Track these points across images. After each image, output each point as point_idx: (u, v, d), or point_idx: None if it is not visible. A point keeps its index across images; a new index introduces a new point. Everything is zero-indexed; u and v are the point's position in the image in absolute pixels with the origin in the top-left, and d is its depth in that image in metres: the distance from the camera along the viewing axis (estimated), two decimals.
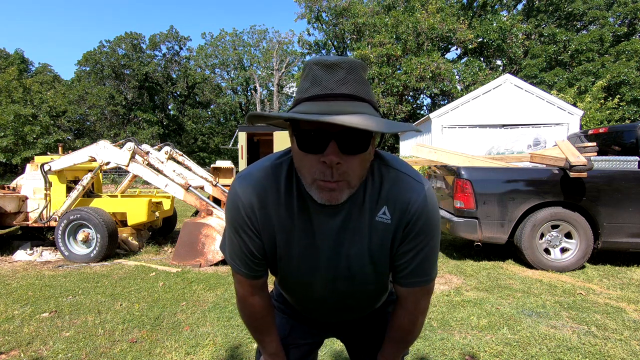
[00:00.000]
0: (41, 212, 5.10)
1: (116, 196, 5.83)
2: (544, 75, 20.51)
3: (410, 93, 21.05)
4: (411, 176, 0.83)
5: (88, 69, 30.80)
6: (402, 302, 0.92)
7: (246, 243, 0.85)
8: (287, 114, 0.67)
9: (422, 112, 24.04)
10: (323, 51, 26.42)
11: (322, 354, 2.35)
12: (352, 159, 0.70)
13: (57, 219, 4.89)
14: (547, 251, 4.21)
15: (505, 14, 22.84)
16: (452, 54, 26.72)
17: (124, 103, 30.23)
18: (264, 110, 34.22)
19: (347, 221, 0.82)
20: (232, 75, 36.23)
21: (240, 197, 0.82)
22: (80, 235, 4.70)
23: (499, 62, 22.47)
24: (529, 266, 4.20)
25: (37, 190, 5.18)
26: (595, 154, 4.43)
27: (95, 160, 4.95)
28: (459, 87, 18.78)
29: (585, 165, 3.81)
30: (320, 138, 0.68)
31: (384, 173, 0.82)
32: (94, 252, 4.61)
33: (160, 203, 5.70)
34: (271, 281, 1.13)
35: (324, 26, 24.81)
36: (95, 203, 5.20)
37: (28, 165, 5.32)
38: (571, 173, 3.90)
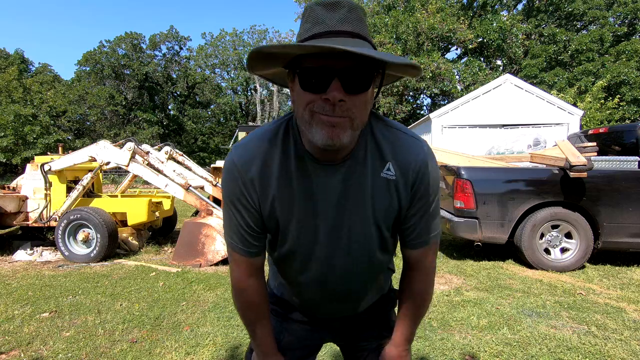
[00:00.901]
0: (41, 212, 5.10)
1: (116, 196, 5.83)
2: (544, 75, 20.51)
3: (410, 93, 21.05)
4: (410, 135, 0.84)
5: (88, 69, 30.80)
6: (414, 265, 0.93)
7: (243, 216, 0.83)
8: (293, 43, 0.66)
9: (422, 112, 24.04)
10: None
11: (322, 354, 2.35)
12: (355, 98, 0.69)
13: (57, 219, 4.89)
14: (547, 251, 4.21)
15: (505, 14, 22.84)
16: (452, 54, 26.72)
17: (124, 103, 30.22)
18: (264, 110, 34.23)
19: (349, 180, 0.80)
20: (232, 75, 36.22)
21: (236, 166, 0.81)
22: (80, 235, 4.70)
23: (499, 62, 22.46)
24: (529, 266, 4.20)
25: (37, 190, 5.18)
26: (595, 154, 4.43)
27: (95, 160, 4.96)
28: (459, 87, 18.78)
29: (585, 165, 3.81)
30: (323, 75, 0.67)
31: (385, 132, 0.83)
32: (94, 252, 4.61)
33: (160, 203, 5.70)
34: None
35: None
36: (95, 203, 5.20)
37: (28, 165, 5.32)
38: (571, 173, 3.90)
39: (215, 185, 5.98)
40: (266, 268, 1.08)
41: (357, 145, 0.80)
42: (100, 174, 6.09)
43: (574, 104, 12.77)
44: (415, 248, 0.90)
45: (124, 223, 5.28)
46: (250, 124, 29.35)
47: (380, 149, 0.81)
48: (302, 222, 0.83)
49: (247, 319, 0.95)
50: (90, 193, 5.65)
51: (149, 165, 4.97)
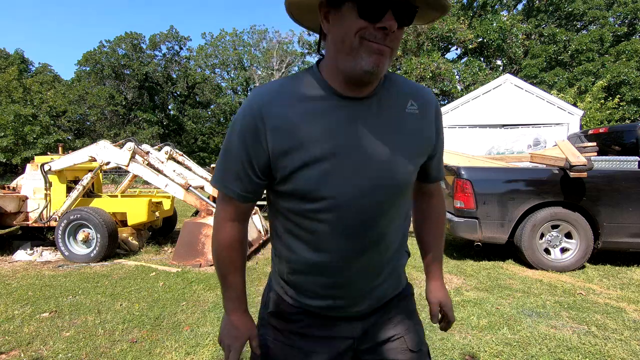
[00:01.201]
0: (41, 212, 5.10)
1: (116, 196, 5.83)
2: (544, 75, 20.51)
3: None
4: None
5: (88, 69, 30.76)
6: (434, 194, 1.04)
7: (250, 156, 0.79)
8: None
9: None
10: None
11: None
12: (399, 31, 0.75)
13: (57, 219, 4.89)
14: (547, 251, 4.21)
15: (505, 14, 22.83)
16: (452, 54, 26.71)
17: (124, 103, 30.21)
18: None
19: (378, 114, 0.81)
20: (232, 75, 36.21)
21: (257, 102, 0.78)
22: (80, 235, 4.71)
23: (499, 62, 22.46)
24: (529, 266, 4.20)
25: (37, 190, 5.18)
26: (595, 154, 4.43)
27: (95, 160, 4.96)
28: (459, 87, 18.78)
29: (585, 165, 3.81)
30: (380, 5, 0.71)
31: (394, 77, 0.89)
32: (94, 252, 4.61)
33: (160, 203, 5.71)
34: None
35: None
36: (95, 203, 5.20)
37: (28, 165, 5.32)
38: (571, 173, 3.90)
39: None
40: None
41: (378, 83, 0.83)
42: (100, 174, 6.09)
43: (574, 104, 12.78)
44: (436, 180, 1.00)
45: (124, 223, 5.28)
46: None
47: (399, 88, 0.86)
48: (330, 159, 0.77)
49: (222, 265, 0.91)
50: (90, 193, 5.65)
51: (149, 165, 4.97)
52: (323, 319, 0.91)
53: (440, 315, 1.07)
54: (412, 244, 1.11)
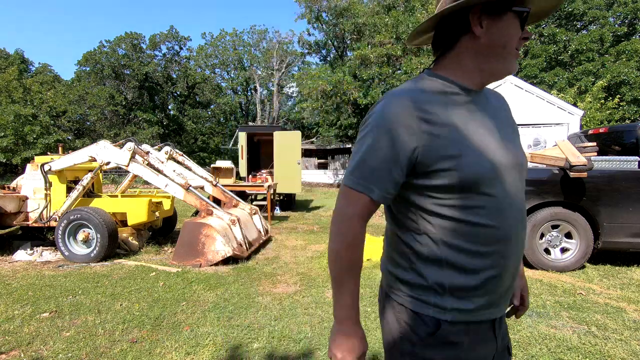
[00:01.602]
0: (41, 212, 5.10)
1: (116, 196, 5.83)
2: (544, 75, 20.50)
3: None
4: None
5: (88, 69, 30.76)
6: None
7: (399, 151, 0.78)
8: None
9: None
10: (323, 51, 26.46)
11: (325, 353, 2.35)
12: None
13: (57, 219, 4.89)
14: (547, 251, 4.21)
15: None
16: None
17: (124, 103, 30.20)
18: (264, 110, 34.20)
19: (493, 107, 0.91)
20: (232, 75, 36.21)
21: (401, 99, 0.81)
22: (81, 235, 4.71)
23: None
24: (529, 266, 4.20)
25: (37, 190, 5.18)
26: (595, 154, 4.43)
27: (95, 160, 4.96)
28: None
29: (585, 165, 3.81)
30: (526, 18, 0.83)
31: None
32: (94, 252, 4.61)
33: (160, 203, 5.71)
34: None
35: (324, 26, 24.80)
36: (95, 203, 5.20)
37: (28, 165, 5.32)
38: (571, 173, 3.90)
39: (215, 185, 5.98)
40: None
41: None
42: (100, 174, 6.10)
43: (574, 104, 12.78)
44: None
45: (124, 223, 5.28)
46: (250, 124, 29.36)
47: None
48: (478, 145, 0.80)
49: (342, 266, 0.84)
50: (90, 193, 5.65)
51: (149, 165, 4.97)
52: (482, 327, 0.85)
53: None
54: None
